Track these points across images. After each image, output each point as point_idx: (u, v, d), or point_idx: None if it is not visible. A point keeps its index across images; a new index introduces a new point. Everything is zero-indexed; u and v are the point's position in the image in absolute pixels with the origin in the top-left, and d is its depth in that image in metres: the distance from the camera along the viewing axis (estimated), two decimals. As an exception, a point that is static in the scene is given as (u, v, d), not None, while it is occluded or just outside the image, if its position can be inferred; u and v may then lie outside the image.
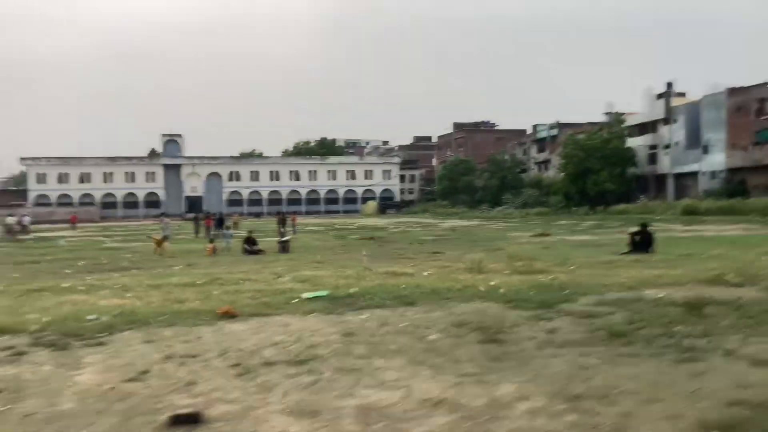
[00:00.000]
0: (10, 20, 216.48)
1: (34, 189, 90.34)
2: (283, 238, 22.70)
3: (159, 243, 23.56)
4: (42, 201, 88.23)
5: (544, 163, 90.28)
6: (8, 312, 9.41)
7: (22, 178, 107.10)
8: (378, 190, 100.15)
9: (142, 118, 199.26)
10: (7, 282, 13.97)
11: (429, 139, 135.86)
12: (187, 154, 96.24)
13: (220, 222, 35.87)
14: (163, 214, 40.70)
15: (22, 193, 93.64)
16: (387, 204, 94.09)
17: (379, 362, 6.44)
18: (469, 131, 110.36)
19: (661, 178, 62.83)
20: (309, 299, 10.31)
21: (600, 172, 59.79)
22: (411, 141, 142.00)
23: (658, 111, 62.44)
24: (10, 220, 40.55)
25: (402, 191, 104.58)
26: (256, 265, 17.27)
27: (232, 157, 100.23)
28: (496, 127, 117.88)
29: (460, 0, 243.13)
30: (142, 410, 5.03)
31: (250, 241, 21.74)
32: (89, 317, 8.82)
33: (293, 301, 10.12)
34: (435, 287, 11.31)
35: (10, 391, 5.57)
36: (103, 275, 15.36)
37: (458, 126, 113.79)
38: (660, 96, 62.86)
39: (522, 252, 18.97)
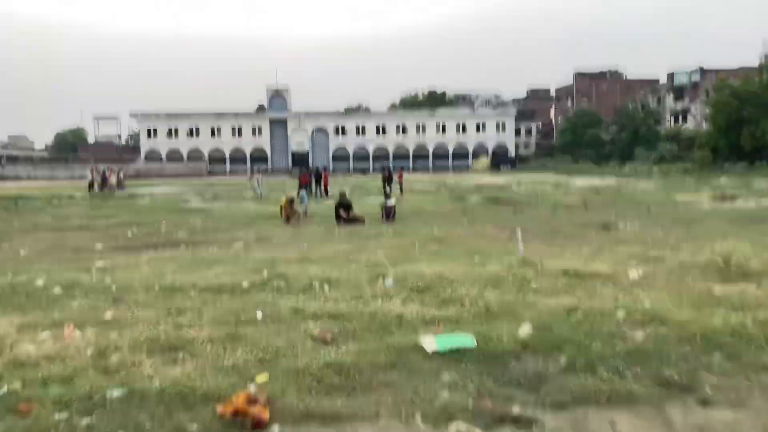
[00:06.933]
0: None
1: (145, 144, 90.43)
2: (389, 202, 17.30)
3: (288, 206, 17.31)
4: (152, 156, 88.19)
5: (682, 114, 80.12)
6: None
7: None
8: (491, 145, 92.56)
9: (251, 74, 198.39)
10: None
11: (546, 91, 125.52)
12: (294, 109, 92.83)
13: (318, 178, 31.04)
14: (256, 170, 36.54)
15: (137, 149, 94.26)
16: (501, 159, 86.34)
17: None
18: (592, 80, 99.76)
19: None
20: (439, 355, 4.79)
21: (759, 122, 50.27)
22: (525, 94, 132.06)
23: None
24: (107, 174, 41.86)
25: (517, 146, 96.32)
26: (347, 244, 11.86)
27: (337, 112, 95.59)
28: (624, 77, 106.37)
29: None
30: None
31: (343, 206, 16.46)
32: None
33: (404, 360, 4.65)
34: (695, 324, 5.42)
35: None
36: (128, 256, 10.65)
37: (580, 75, 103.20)
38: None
39: None
